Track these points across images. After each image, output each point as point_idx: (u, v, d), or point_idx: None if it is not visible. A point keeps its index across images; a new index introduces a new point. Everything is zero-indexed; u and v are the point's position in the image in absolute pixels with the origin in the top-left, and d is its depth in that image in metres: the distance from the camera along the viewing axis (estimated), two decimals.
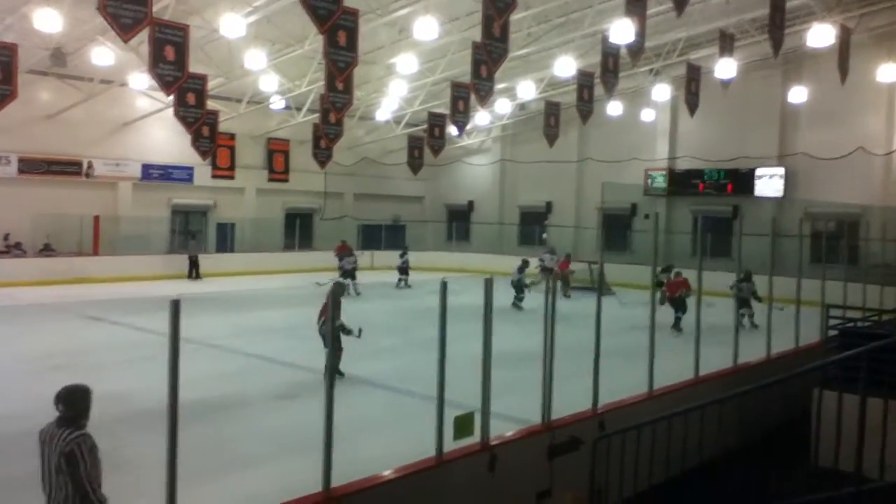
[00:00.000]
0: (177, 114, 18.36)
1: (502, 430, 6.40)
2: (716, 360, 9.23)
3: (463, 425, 5.66)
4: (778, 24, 17.35)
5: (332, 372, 10.70)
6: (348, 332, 10.50)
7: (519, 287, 20.26)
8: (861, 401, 5.11)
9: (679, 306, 16.59)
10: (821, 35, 18.43)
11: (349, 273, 22.50)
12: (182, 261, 26.75)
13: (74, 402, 4.44)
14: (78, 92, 24.86)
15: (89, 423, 4.57)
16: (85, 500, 4.29)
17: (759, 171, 26.66)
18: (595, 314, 7.21)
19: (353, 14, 15.00)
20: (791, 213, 22.90)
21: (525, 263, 21.17)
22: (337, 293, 11.04)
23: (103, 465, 4.52)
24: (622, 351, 9.43)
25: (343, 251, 25.55)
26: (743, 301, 15.25)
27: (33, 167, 25.00)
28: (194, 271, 26.78)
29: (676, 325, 16.21)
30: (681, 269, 17.94)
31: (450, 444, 5.68)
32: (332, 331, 10.43)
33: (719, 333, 9.78)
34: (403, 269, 25.04)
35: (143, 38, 15.90)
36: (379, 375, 11.44)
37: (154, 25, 14.67)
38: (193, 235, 28.53)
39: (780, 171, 26.22)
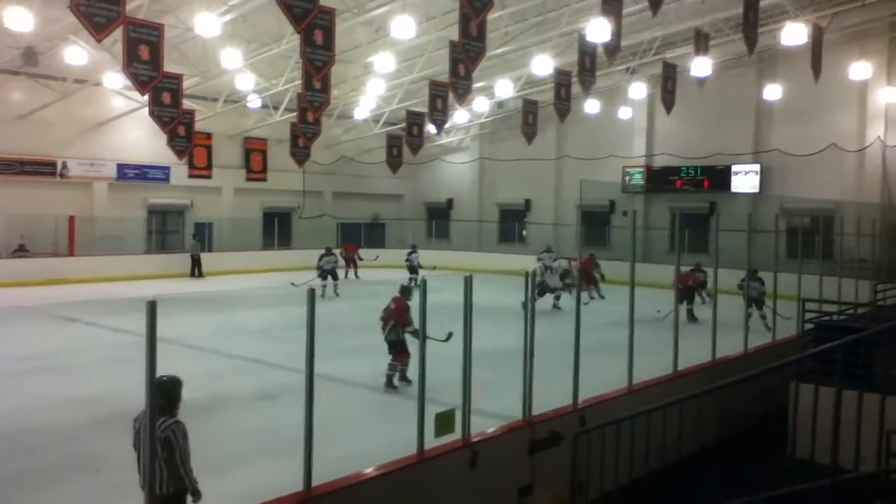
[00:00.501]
0: (152, 113, 18.20)
1: (484, 426, 6.42)
2: (695, 354, 9.32)
3: (444, 422, 5.67)
4: (752, 22, 17.53)
5: (390, 379, 10.60)
6: (420, 336, 9.55)
7: (549, 289, 19.18)
8: (836, 393, 5.17)
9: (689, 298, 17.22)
10: (794, 34, 18.65)
11: (329, 273, 22.08)
12: (160, 260, 26.74)
13: (168, 392, 4.85)
14: (51, 91, 24.54)
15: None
16: (180, 482, 4.77)
17: (735, 168, 26.94)
18: (575, 310, 7.26)
19: (330, 13, 14.94)
20: (767, 208, 23.15)
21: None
22: (405, 294, 10.94)
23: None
24: (603, 346, 9.49)
25: (351, 251, 25.94)
26: (755, 301, 14.75)
27: (6, 167, 24.62)
28: (196, 269, 27.16)
29: (690, 315, 16.56)
30: (658, 264, 18.16)
31: (431, 442, 5.69)
32: (405, 335, 10.30)
33: (700, 327, 9.88)
34: (413, 268, 24.50)
35: (117, 37, 15.73)
36: (359, 374, 11.42)
37: (128, 24, 14.53)
38: (195, 235, 28.51)
39: (756, 167, 26.52)
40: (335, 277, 22.11)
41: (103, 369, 11.94)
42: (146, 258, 27.08)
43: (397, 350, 10.73)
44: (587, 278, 20.35)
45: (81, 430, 8.78)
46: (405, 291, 11.06)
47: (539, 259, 23.78)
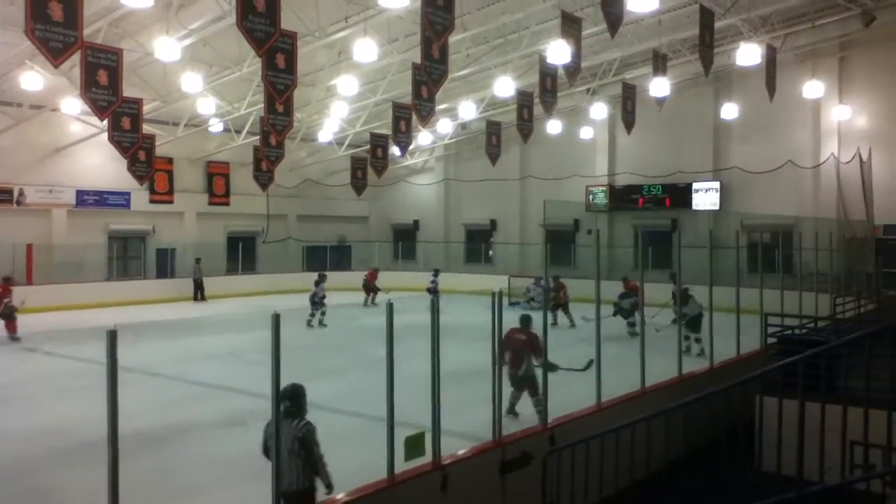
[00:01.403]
0: (111, 139, 17.93)
1: (454, 447, 6.37)
2: (661, 370, 9.39)
3: (414, 445, 5.62)
4: (708, 43, 17.91)
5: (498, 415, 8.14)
6: (553, 368, 8.49)
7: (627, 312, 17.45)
8: (800, 406, 5.25)
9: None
10: (748, 54, 19.10)
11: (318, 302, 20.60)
12: (121, 287, 26.39)
13: (297, 398, 5.41)
14: (6, 117, 24.10)
15: None
16: (310, 478, 5.37)
17: (695, 185, 27.39)
18: (542, 328, 7.28)
19: (291, 37, 14.92)
20: (727, 224, 23.53)
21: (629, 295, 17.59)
22: (527, 324, 9.83)
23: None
24: (569, 363, 9.53)
25: (374, 279, 25.55)
26: (690, 323, 14.36)
27: None
28: (199, 293, 27.51)
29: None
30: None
31: (401, 465, 5.63)
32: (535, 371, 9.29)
33: (666, 341, 9.94)
34: (433, 291, 24.06)
35: (74, 62, 15.52)
36: (325, 397, 11.27)
37: (86, 49, 14.34)
38: (198, 260, 28.47)
39: (716, 184, 27.00)
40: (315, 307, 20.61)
41: (62, 399, 11.66)
42: (107, 285, 26.58)
43: (532, 384, 9.56)
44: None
45: (42, 461, 8.54)
46: (526, 321, 9.88)
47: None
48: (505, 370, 8.62)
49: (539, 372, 8.75)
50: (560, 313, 20.02)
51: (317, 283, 20.68)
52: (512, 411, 9.67)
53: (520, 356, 9.58)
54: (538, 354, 9.27)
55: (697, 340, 14.25)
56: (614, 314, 16.92)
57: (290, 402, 5.34)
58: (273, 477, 4.88)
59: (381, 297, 23.86)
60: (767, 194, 24.86)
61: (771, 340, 9.64)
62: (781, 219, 21.64)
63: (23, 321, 18.83)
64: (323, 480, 5.41)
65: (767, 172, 24.79)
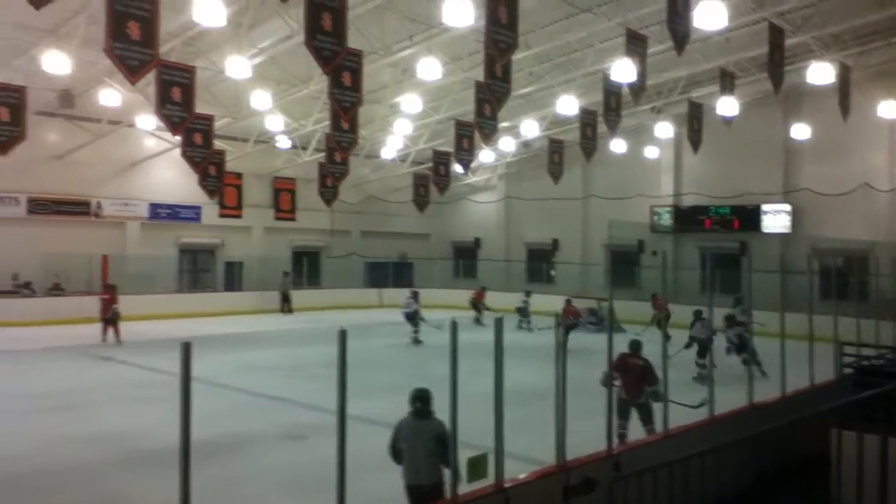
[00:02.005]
0: (184, 154, 18.53)
1: (516, 470, 6.28)
2: (730, 398, 9.09)
3: (476, 466, 5.56)
4: (777, 62, 17.47)
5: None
6: (661, 398, 8.15)
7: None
8: (882, 441, 5.02)
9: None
10: (820, 73, 18.59)
11: (411, 317, 20.76)
12: (191, 299, 27.10)
13: (428, 400, 5.84)
14: (86, 133, 25.09)
15: None
16: (438, 473, 5.69)
17: (764, 207, 26.68)
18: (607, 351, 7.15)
19: (358, 55, 15.17)
20: (798, 249, 22.84)
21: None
22: (637, 349, 9.53)
23: None
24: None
25: (482, 298, 25.40)
26: (739, 345, 13.92)
27: (42, 208, 25.17)
28: (286, 305, 28.61)
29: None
30: (688, 305, 17.86)
31: (463, 486, 5.57)
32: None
33: (734, 367, 9.64)
34: (524, 311, 24.23)
35: (150, 80, 16.06)
36: (387, 414, 11.29)
37: (161, 67, 14.83)
38: (286, 273, 29.62)
39: (787, 207, 26.25)
40: (415, 323, 20.65)
41: (133, 407, 11.98)
42: (178, 297, 27.31)
43: (647, 412, 9.32)
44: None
45: (112, 467, 8.77)
46: (637, 347, 9.54)
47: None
48: (614, 395, 8.14)
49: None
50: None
51: (414, 298, 20.88)
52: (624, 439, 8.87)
53: (640, 383, 9.27)
54: (652, 382, 9.13)
55: (703, 367, 13.63)
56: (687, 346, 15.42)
57: (421, 403, 5.85)
58: (407, 473, 5.70)
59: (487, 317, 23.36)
60: (841, 218, 24.03)
61: (846, 370, 9.26)
62: (856, 243, 20.87)
63: (97, 331, 19.53)
64: (455, 471, 5.45)
65: (841, 195, 23.99)
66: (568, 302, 21.76)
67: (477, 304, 25.86)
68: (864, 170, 24.12)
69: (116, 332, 19.46)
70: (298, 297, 29.78)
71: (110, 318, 19.45)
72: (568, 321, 19.86)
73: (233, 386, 13.69)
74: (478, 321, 24.57)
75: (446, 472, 5.56)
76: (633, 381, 9.25)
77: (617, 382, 8.76)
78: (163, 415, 10.40)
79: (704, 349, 13.58)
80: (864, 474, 5.29)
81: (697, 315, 15.22)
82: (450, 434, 5.51)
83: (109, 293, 19.93)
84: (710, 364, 8.85)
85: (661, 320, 18.32)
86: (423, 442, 5.68)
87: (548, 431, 6.47)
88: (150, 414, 11.13)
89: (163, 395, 12.46)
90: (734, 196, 27.10)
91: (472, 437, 6.08)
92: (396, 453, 5.95)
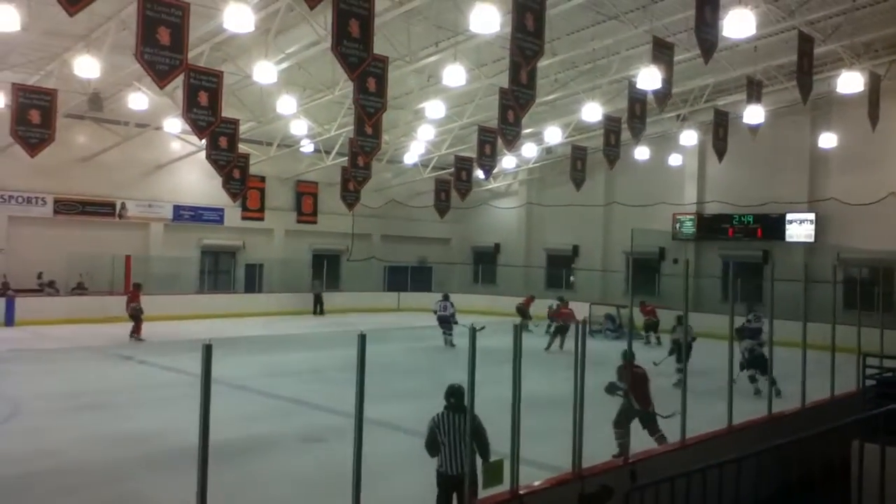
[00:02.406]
0: (209, 157, 18.73)
1: (532, 477, 6.28)
2: (748, 407, 9.03)
3: (492, 473, 5.57)
4: (806, 70, 17.32)
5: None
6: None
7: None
8: None
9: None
10: (850, 82, 18.34)
11: (445, 321, 20.64)
12: (212, 300, 27.37)
13: (462, 395, 6.00)
14: (113, 135, 25.46)
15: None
16: (484, 457, 6.04)
17: (789, 216, 26.41)
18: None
19: (383, 61, 15.26)
20: (823, 258, 22.58)
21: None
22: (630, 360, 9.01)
23: None
24: (653, 397, 9.29)
25: (529, 305, 24.36)
26: (754, 361, 13.63)
27: (68, 208, 25.55)
28: (319, 307, 29.23)
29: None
30: (709, 313, 17.81)
31: (479, 492, 5.59)
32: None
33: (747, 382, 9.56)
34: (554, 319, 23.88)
35: (177, 84, 16.29)
36: (405, 419, 11.33)
37: (189, 72, 15.02)
38: (319, 275, 30.23)
39: (811, 216, 25.96)
40: (448, 326, 20.58)
41: (153, 407, 12.10)
42: (199, 297, 27.57)
43: (653, 420, 9.26)
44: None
45: (132, 467, 8.87)
46: (633, 355, 8.96)
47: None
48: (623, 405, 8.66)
49: None
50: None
51: (447, 301, 21.02)
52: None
53: (648, 393, 9.24)
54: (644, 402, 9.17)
55: (753, 379, 13.66)
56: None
57: (454, 398, 6.17)
58: (446, 463, 6.07)
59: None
60: (867, 228, 23.71)
61: (869, 382, 9.16)
62: (882, 254, 20.59)
63: (119, 330, 19.78)
64: (489, 459, 5.96)
65: (868, 205, 23.70)
66: (560, 304, 21.62)
67: (524, 311, 25.83)
68: (891, 179, 23.78)
69: (137, 330, 20.08)
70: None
71: (132, 315, 20.07)
72: (559, 322, 20.29)
73: (252, 388, 13.78)
74: (526, 327, 24.45)
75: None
76: (643, 390, 9.19)
77: (620, 392, 8.86)
78: (184, 415, 10.54)
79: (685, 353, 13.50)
80: (886, 488, 5.23)
81: (679, 320, 14.82)
82: (483, 427, 6.03)
83: (133, 292, 20.68)
84: (685, 370, 8.67)
85: (651, 326, 18.58)
86: (463, 435, 5.94)
87: (564, 438, 6.46)
88: (171, 414, 11.25)
89: (183, 394, 12.60)
90: (758, 204, 26.87)
91: (490, 442, 6.11)
92: (434, 447, 6.21)
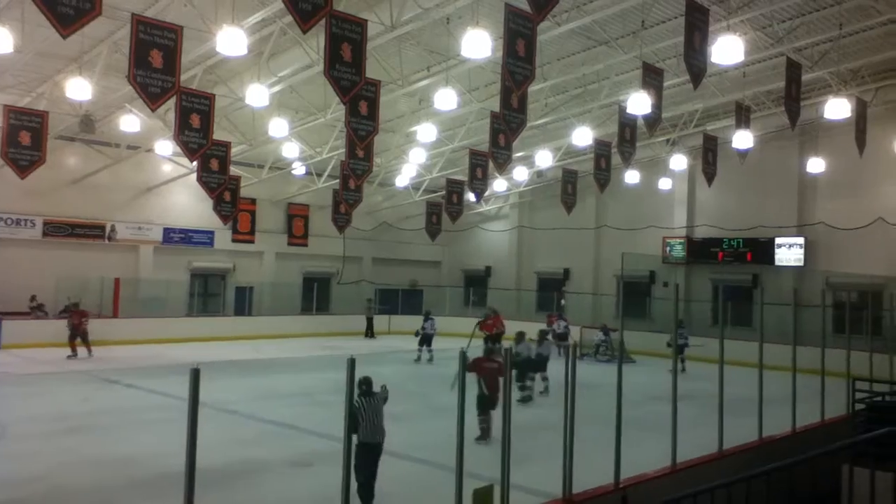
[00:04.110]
0: (200, 179, 18.73)
1: (522, 503, 6.24)
2: (739, 431, 9.00)
3: (482, 499, 5.53)
4: (794, 96, 17.51)
5: None
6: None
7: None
8: (895, 479, 4.96)
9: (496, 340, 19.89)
10: (837, 108, 18.51)
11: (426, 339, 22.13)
12: (201, 323, 27.14)
13: (371, 383, 8.22)
14: (104, 157, 25.43)
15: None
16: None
17: (778, 241, 26.54)
18: (616, 383, 7.11)
19: (375, 85, 15.36)
20: (812, 282, 22.71)
21: None
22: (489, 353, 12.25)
23: None
24: (641, 421, 9.27)
25: (551, 322, 24.11)
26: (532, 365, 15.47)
27: (57, 230, 25.43)
28: (370, 330, 29.61)
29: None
30: (698, 336, 17.87)
31: None
32: None
33: (750, 403, 9.52)
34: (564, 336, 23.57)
35: (169, 106, 16.33)
36: (395, 443, 11.23)
37: (181, 94, 15.06)
38: (370, 299, 30.75)
39: (800, 240, 26.10)
40: (429, 344, 22.03)
41: (140, 431, 11.99)
42: (188, 321, 27.38)
43: (488, 409, 11.17)
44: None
45: (119, 491, 8.76)
46: (490, 352, 12.39)
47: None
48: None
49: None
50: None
51: (433, 319, 22.30)
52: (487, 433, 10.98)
53: (497, 383, 10.71)
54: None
55: (531, 379, 15.53)
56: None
57: (365, 386, 8.12)
58: (367, 435, 7.88)
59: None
60: (855, 252, 23.87)
61: (858, 406, 9.16)
62: (870, 278, 20.72)
63: (107, 353, 19.59)
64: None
65: (856, 229, 23.88)
66: (490, 314, 22.47)
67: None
68: (880, 204, 23.98)
69: (74, 349, 20.51)
70: (307, 322, 29.74)
71: (82, 334, 20.57)
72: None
73: (242, 412, 13.67)
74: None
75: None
76: (493, 379, 10.96)
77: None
78: (171, 439, 10.43)
79: (537, 365, 15.66)
80: None
81: (520, 337, 15.73)
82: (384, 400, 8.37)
83: (80, 311, 20.99)
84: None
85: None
86: (377, 411, 8.09)
87: (555, 463, 6.43)
88: (158, 438, 11.14)
89: (170, 418, 12.49)
90: (747, 228, 27.02)
91: (480, 467, 6.06)
92: (356, 424, 7.58)
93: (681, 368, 14.86)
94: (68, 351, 20.45)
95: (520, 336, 15.79)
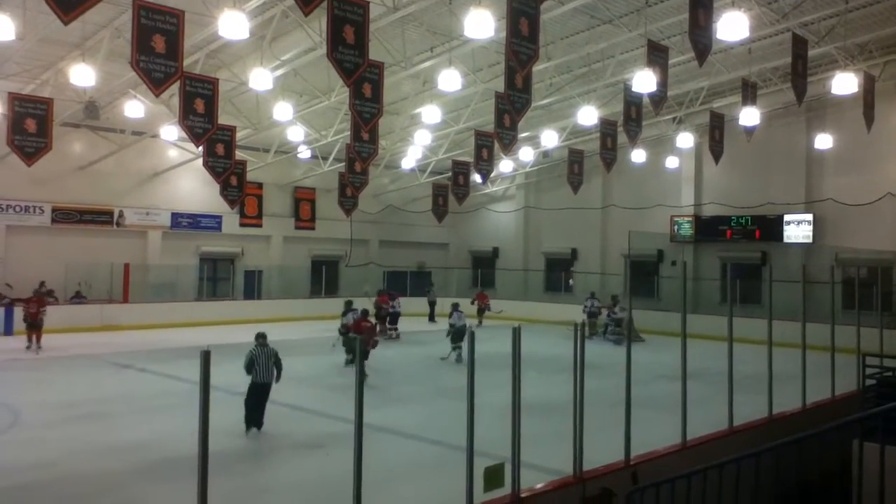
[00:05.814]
0: (206, 164, 18.71)
1: (533, 481, 6.28)
2: (748, 408, 9.02)
3: (493, 476, 5.56)
4: (800, 72, 17.34)
5: None
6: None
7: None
8: None
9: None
10: (844, 83, 18.33)
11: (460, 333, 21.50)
12: (211, 307, 27.24)
13: (265, 336, 10.93)
14: (110, 143, 25.45)
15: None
16: (279, 371, 11.11)
17: (787, 218, 26.42)
18: (625, 362, 7.12)
19: (379, 67, 15.27)
20: (821, 259, 22.64)
21: None
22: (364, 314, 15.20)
23: None
24: (651, 400, 9.29)
25: (483, 301, 27.45)
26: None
27: (66, 217, 25.53)
28: (432, 314, 29.84)
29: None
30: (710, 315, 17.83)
31: (479, 496, 5.57)
32: None
33: (759, 381, 9.52)
34: (594, 314, 24.38)
35: (173, 91, 16.31)
36: (406, 424, 11.32)
37: (184, 79, 15.03)
38: (432, 283, 31.19)
39: (809, 217, 25.98)
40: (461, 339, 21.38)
41: (151, 416, 12.06)
42: (197, 305, 27.51)
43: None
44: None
45: (130, 476, 8.83)
46: (366, 313, 16.85)
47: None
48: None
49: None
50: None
51: (455, 312, 19.62)
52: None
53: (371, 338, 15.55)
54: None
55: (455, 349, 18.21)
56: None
57: (263, 339, 10.95)
58: (259, 377, 10.77)
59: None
60: (864, 228, 23.76)
61: (869, 382, 9.16)
62: (879, 254, 20.64)
63: (117, 338, 19.67)
64: (278, 377, 11.08)
65: (864, 205, 23.75)
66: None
67: (482, 309, 26.42)
68: (888, 180, 23.84)
69: (39, 338, 19.61)
70: (316, 305, 29.76)
71: (38, 323, 19.61)
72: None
73: None
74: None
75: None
76: (370, 335, 15.40)
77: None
78: (182, 423, 10.50)
79: (459, 335, 18.12)
80: (886, 487, 5.23)
81: (454, 307, 19.46)
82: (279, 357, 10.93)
83: (39, 298, 20.33)
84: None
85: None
86: (268, 358, 10.82)
87: (565, 442, 6.46)
88: (171, 423, 11.22)
89: (181, 402, 12.58)
90: (755, 206, 26.91)
91: (490, 447, 6.09)
92: (251, 367, 10.73)
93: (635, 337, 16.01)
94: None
95: (454, 307, 19.55)
